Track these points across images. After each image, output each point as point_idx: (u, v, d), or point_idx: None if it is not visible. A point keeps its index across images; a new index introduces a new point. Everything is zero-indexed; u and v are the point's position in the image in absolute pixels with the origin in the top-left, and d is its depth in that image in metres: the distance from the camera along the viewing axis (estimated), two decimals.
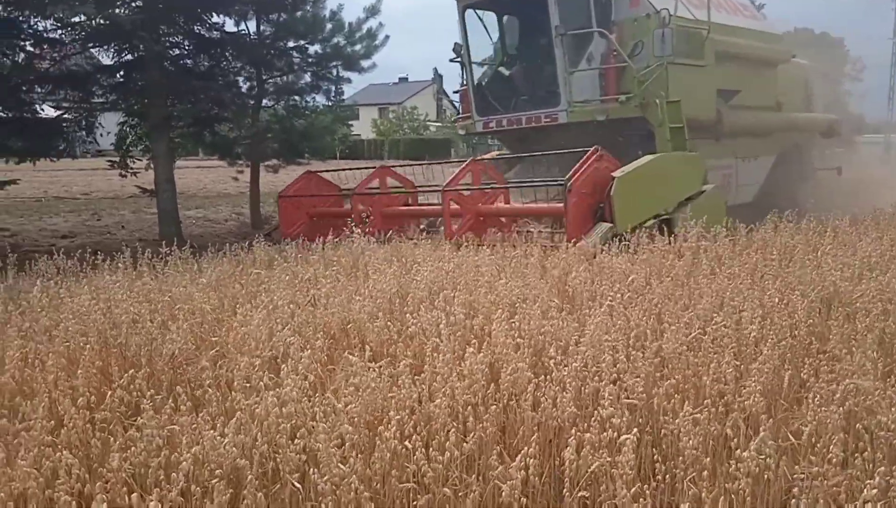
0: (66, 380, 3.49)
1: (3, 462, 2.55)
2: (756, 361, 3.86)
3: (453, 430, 3.01)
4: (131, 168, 14.33)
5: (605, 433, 3.04)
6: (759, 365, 3.75)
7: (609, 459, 2.95)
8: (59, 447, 2.95)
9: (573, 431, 2.98)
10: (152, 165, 13.40)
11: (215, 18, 13.65)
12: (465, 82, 12.33)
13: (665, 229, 8.36)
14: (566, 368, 3.75)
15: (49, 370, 3.47)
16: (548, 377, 3.72)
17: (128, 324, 4.15)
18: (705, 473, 2.75)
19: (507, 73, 12.38)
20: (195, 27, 13.60)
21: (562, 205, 8.63)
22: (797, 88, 14.82)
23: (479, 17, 12.09)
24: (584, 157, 8.88)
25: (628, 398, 3.58)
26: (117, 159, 14.54)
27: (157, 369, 4.00)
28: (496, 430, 3.42)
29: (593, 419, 3.28)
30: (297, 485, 2.92)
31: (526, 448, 2.80)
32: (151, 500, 2.24)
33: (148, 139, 14.14)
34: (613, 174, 8.67)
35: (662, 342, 4.22)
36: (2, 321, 4.33)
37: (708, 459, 2.87)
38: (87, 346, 3.81)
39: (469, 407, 3.29)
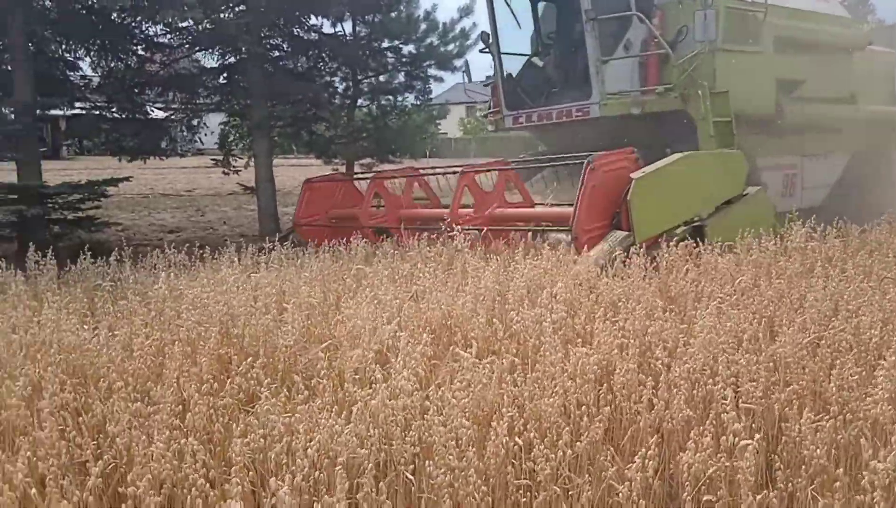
0: (189, 367, 3.67)
1: (146, 444, 2.69)
2: (881, 367, 3.67)
3: (566, 429, 2.99)
4: (233, 166, 14.88)
5: (724, 438, 2.96)
6: (886, 372, 3.56)
7: (727, 464, 2.88)
8: (186, 431, 3.10)
9: (692, 434, 2.90)
10: (253, 164, 13.89)
11: (313, 20, 14.02)
12: (494, 74, 11.35)
13: (697, 238, 7.24)
14: (677, 369, 3.68)
15: (174, 357, 3.65)
16: (657, 378, 3.65)
17: (245, 315, 4.31)
18: (837, 484, 2.63)
19: (540, 63, 11.31)
20: (294, 29, 14.01)
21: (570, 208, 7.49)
22: (879, 79, 12.95)
23: (508, 4, 11.04)
24: (617, 152, 8.00)
25: (745, 402, 3.49)
26: (220, 158, 15.12)
27: (273, 359, 4.13)
28: (603, 431, 3.38)
29: (708, 422, 3.20)
30: (410, 476, 2.97)
31: (644, 450, 2.75)
32: (282, 485, 2.32)
33: (249, 138, 14.67)
34: (632, 176, 7.60)
35: (777, 346, 4.08)
36: (129, 311, 4.57)
37: (841, 469, 2.74)
38: (209, 336, 3.99)
39: (583, 407, 3.26)
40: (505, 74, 11.12)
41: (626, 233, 7.35)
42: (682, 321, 4.84)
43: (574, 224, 7.42)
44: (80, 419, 3.26)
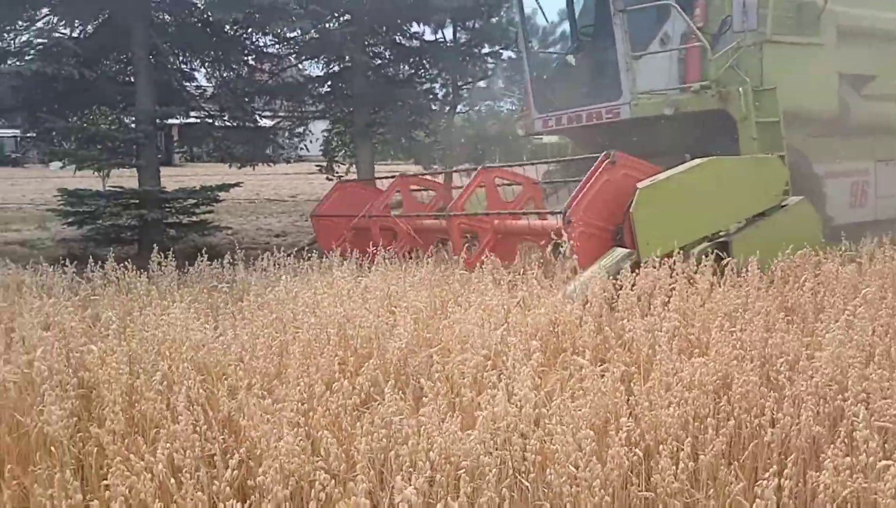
0: (308, 367, 3.80)
1: (276, 437, 2.80)
2: None
3: (688, 441, 2.92)
4: (336, 172, 15.29)
5: (861, 457, 2.81)
6: None
7: (865, 485, 2.74)
8: (308, 428, 3.21)
9: (829, 452, 2.77)
10: (355, 169, 14.24)
11: (415, 28, 14.27)
12: (523, 74, 10.62)
13: (722, 254, 6.31)
14: (802, 384, 3.53)
15: (295, 357, 3.78)
16: (780, 392, 3.52)
17: (358, 318, 4.42)
18: None
19: (573, 62, 10.48)
20: (396, 37, 14.29)
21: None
22: None
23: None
24: (592, 168, 6.94)
25: (878, 420, 3.30)
26: (324, 164, 15.57)
27: (384, 361, 4.22)
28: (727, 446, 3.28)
29: (839, 440, 3.05)
30: (527, 484, 2.97)
31: (778, 468, 2.65)
32: (408, 485, 2.36)
33: (351, 145, 15.04)
34: (638, 185, 6.69)
35: None
36: (249, 312, 4.76)
37: None
38: (327, 338, 4.13)
39: (707, 419, 3.17)
40: (534, 73, 10.42)
41: (629, 251, 6.37)
42: (803, 333, 4.65)
43: (570, 207, 6.64)
44: (210, 414, 3.43)
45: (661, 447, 3.04)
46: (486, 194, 8.57)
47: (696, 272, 5.70)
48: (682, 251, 6.37)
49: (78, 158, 11.91)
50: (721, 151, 7.79)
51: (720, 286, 5.41)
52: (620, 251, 6.35)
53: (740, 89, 8.09)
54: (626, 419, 3.04)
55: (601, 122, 9.17)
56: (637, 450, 3.04)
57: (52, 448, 3.23)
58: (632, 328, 4.49)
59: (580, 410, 3.12)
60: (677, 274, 5.81)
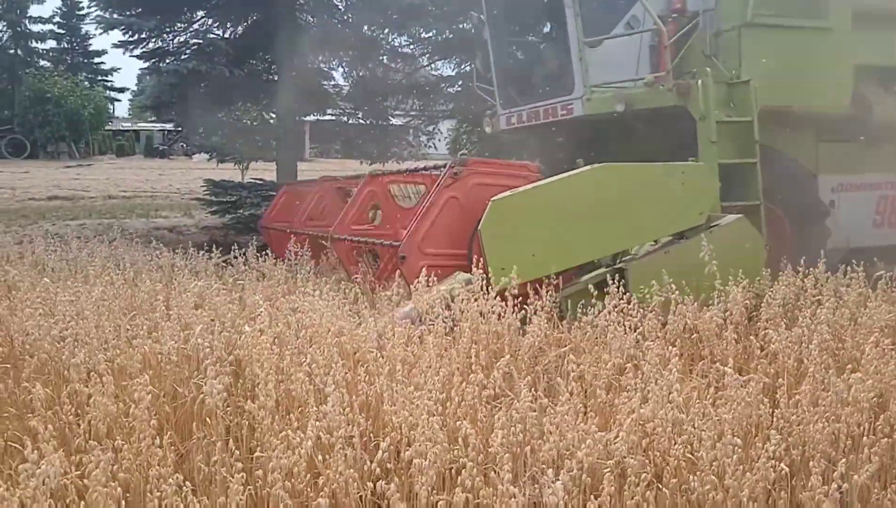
0: (441, 358, 3.89)
1: (412, 426, 2.90)
2: None
3: (842, 462, 2.78)
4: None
5: None
6: None
7: None
8: (446, 416, 3.29)
9: None
10: None
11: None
12: (487, 66, 9.26)
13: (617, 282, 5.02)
14: None
15: (431, 348, 3.88)
16: None
17: (489, 314, 4.49)
18: None
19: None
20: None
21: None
22: None
23: None
24: (513, 163, 6.14)
25: None
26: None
27: (515, 357, 4.25)
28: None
29: None
30: (665, 490, 2.92)
31: None
32: (557, 480, 2.38)
33: (479, 143, 15.17)
34: (492, 198, 5.45)
35: None
36: (386, 301, 4.92)
37: None
38: (463, 330, 4.23)
39: (861, 437, 3.01)
40: (500, 65, 8.99)
41: (469, 276, 5.08)
42: None
43: (406, 239, 5.69)
44: (351, 398, 3.57)
45: (811, 463, 2.91)
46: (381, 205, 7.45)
47: (846, 285, 5.39)
48: (559, 277, 5.42)
49: (223, 152, 12.68)
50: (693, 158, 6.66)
51: (873, 300, 5.09)
52: (462, 277, 5.21)
53: (699, 82, 6.65)
54: (773, 431, 2.92)
55: (557, 119, 7.95)
56: (783, 465, 2.92)
57: (209, 419, 3.47)
58: (777, 339, 4.31)
59: (725, 417, 3.02)
60: (822, 285, 5.53)
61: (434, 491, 2.66)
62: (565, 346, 4.49)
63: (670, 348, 4.14)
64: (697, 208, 5.89)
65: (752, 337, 4.40)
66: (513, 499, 2.39)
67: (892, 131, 7.54)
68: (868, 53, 7.58)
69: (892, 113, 7.55)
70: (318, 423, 3.00)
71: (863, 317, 4.68)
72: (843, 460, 2.81)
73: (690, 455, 2.87)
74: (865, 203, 7.87)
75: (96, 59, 46.06)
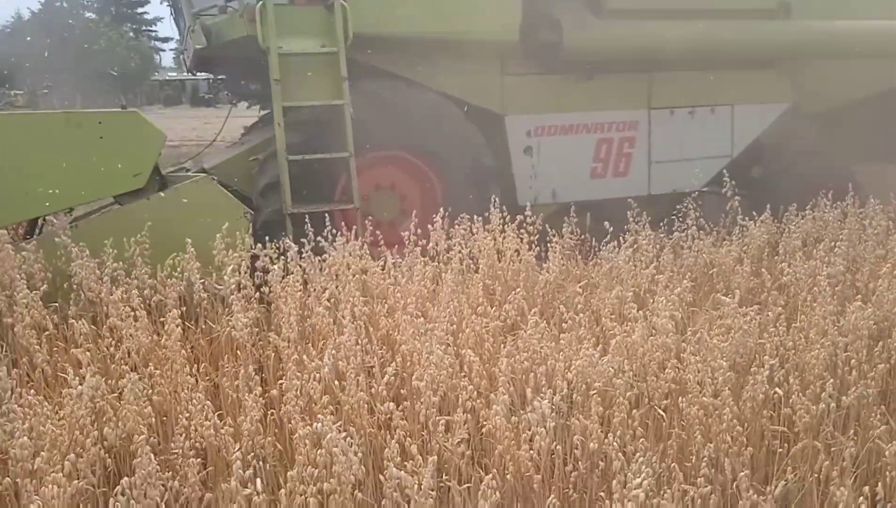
0: (460, 293, 4.07)
1: (426, 354, 3.09)
2: None
3: (831, 382, 2.88)
4: None
5: None
6: None
7: None
8: (457, 346, 3.48)
9: None
10: None
11: None
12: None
13: None
14: None
15: (448, 284, 4.06)
16: None
17: (511, 253, 4.63)
18: None
19: None
20: None
21: None
22: None
23: None
24: None
25: None
26: None
27: (532, 293, 4.41)
28: (877, 392, 3.18)
29: None
30: (662, 413, 3.07)
31: None
32: (542, 398, 2.56)
33: None
34: None
35: None
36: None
37: None
38: (476, 267, 4.40)
39: (851, 362, 3.10)
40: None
41: None
42: None
43: None
44: (370, 330, 3.79)
45: (808, 389, 3.02)
46: None
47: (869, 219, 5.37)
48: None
49: (262, 99, 12.77)
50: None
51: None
52: None
53: (260, 4, 5.38)
54: (767, 358, 3.03)
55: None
56: (778, 390, 3.03)
57: (238, 352, 3.73)
58: (791, 272, 4.36)
59: (721, 345, 3.14)
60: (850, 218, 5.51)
61: (438, 412, 2.86)
62: (581, 282, 4.62)
63: (683, 281, 4.26)
64: (130, 169, 4.82)
65: (763, 270, 4.45)
66: (500, 418, 2.57)
67: (620, 60, 6.56)
68: None
69: (603, 38, 6.42)
70: (335, 353, 3.22)
71: (880, 250, 4.68)
72: (832, 380, 2.90)
73: (684, 378, 3.00)
74: (578, 149, 6.69)
75: (140, 10, 46.61)
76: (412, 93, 5.95)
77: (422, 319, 3.49)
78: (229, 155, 6.71)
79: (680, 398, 2.85)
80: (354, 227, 5.36)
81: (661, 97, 6.91)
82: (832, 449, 2.87)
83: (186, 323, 3.95)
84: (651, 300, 3.96)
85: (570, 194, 6.40)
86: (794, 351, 3.26)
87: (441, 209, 5.12)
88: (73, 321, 3.79)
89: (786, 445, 2.93)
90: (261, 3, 5.34)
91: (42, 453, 2.40)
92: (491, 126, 6.35)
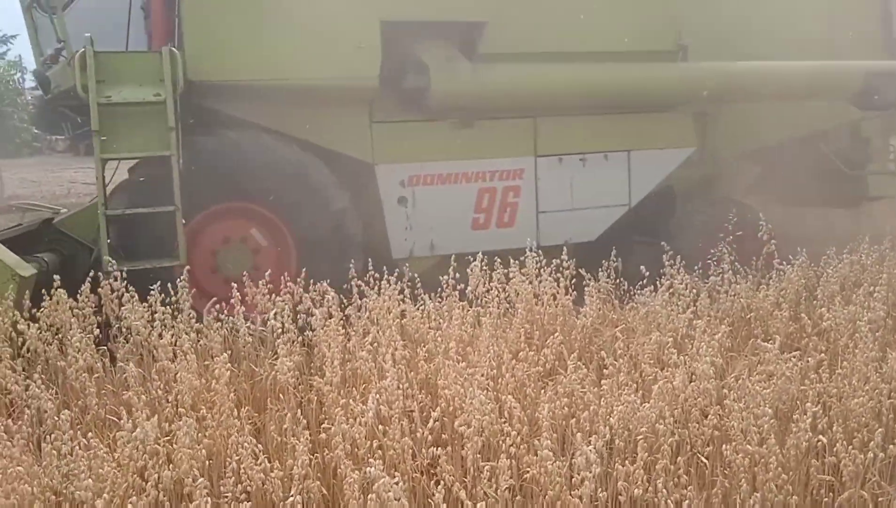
0: (499, 337, 4.12)
1: (464, 397, 3.14)
2: None
3: (879, 430, 2.87)
4: None
5: None
6: None
7: None
8: (498, 391, 3.51)
9: None
10: None
11: None
12: None
13: None
14: None
15: (486, 328, 4.11)
16: None
17: (548, 296, 4.68)
18: None
19: None
20: None
21: None
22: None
23: None
24: None
25: None
26: None
27: (569, 337, 4.44)
28: None
29: None
30: (705, 460, 3.07)
31: None
32: (587, 444, 2.58)
33: None
34: None
35: None
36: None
37: None
38: (515, 312, 4.45)
39: None
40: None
41: None
42: None
43: None
44: (410, 374, 3.84)
45: (854, 438, 3.01)
46: None
47: None
48: None
49: None
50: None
51: None
52: None
53: (81, 49, 5.05)
54: (811, 405, 3.02)
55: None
56: (822, 438, 3.02)
57: (281, 395, 3.80)
58: (830, 317, 4.35)
59: (763, 391, 3.14)
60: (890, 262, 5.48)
61: (481, 458, 2.89)
62: (619, 326, 4.65)
63: (721, 326, 4.26)
64: None
65: (802, 315, 4.44)
66: (550, 463, 2.60)
67: (501, 106, 6.31)
68: (405, 5, 5.99)
69: (483, 84, 6.10)
70: (378, 397, 3.28)
71: None
72: (880, 429, 2.89)
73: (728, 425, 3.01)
74: (457, 198, 6.34)
75: None
76: (265, 141, 5.64)
77: (463, 363, 3.53)
78: (83, 208, 6.51)
79: (724, 446, 2.85)
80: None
81: (549, 144, 6.56)
82: (879, 499, 2.85)
83: (231, 366, 4.04)
84: (689, 346, 3.98)
85: (449, 246, 5.96)
86: (837, 398, 3.25)
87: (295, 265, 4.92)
88: (122, 364, 3.91)
89: (831, 494, 2.92)
90: (81, 50, 5.03)
91: (104, 495, 2.48)
92: (360, 176, 6.08)
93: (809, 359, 3.74)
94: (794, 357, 3.54)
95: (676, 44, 6.74)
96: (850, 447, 2.85)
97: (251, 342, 4.30)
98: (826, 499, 2.91)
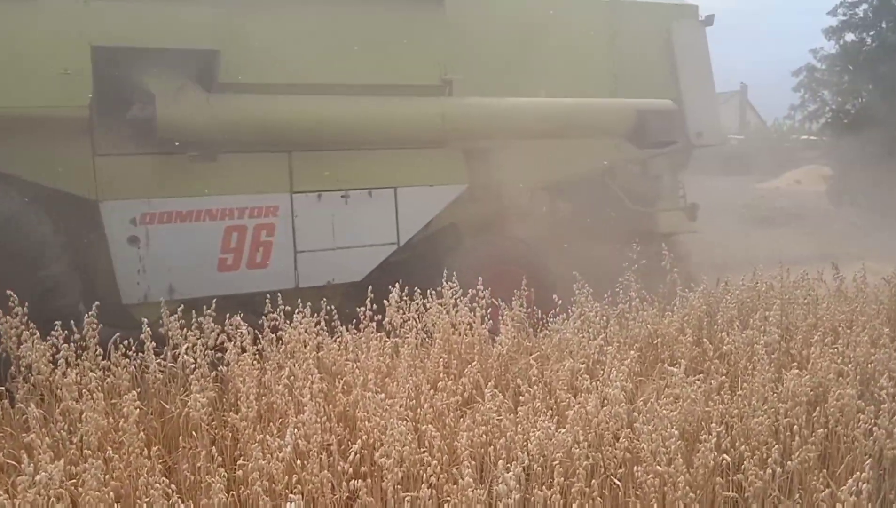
0: (417, 367, 4.14)
1: (383, 428, 3.14)
2: None
3: (776, 447, 3.04)
4: None
5: None
6: None
7: None
8: (417, 421, 3.53)
9: None
10: None
11: None
12: None
13: None
14: None
15: (404, 359, 4.13)
16: (878, 406, 3.55)
17: (464, 326, 4.74)
18: None
19: None
20: None
21: None
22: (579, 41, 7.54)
23: None
24: None
25: None
26: None
27: (485, 366, 4.50)
28: (817, 456, 3.36)
29: None
30: (618, 482, 3.18)
31: (859, 474, 2.75)
32: (505, 471, 2.63)
33: None
34: None
35: None
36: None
37: None
38: (432, 342, 4.49)
39: (793, 428, 3.28)
40: None
41: None
42: None
43: None
44: (328, 408, 3.81)
45: (755, 454, 3.17)
46: None
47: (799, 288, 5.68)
48: None
49: None
50: None
51: (823, 302, 5.39)
52: None
53: None
54: (715, 426, 3.18)
55: None
56: (726, 456, 3.18)
57: (194, 432, 3.70)
58: (730, 341, 4.58)
59: (670, 414, 3.28)
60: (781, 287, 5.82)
61: (401, 489, 2.90)
62: (533, 354, 4.75)
63: (630, 352, 4.42)
64: None
65: (704, 339, 4.66)
66: (471, 491, 2.63)
67: (213, 140, 5.74)
68: (121, 30, 5.51)
69: (198, 115, 5.67)
70: (295, 431, 3.24)
71: (810, 318, 4.96)
72: (777, 446, 3.06)
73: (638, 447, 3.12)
74: (200, 238, 5.81)
75: None
76: None
77: (382, 394, 3.54)
78: None
79: (635, 467, 2.96)
80: None
81: (307, 180, 6.15)
82: None
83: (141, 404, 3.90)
84: (601, 371, 4.11)
85: (192, 290, 5.59)
86: (739, 418, 3.42)
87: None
88: (21, 405, 3.72)
89: None
90: None
91: None
92: (82, 214, 5.51)
93: (712, 381, 3.94)
94: (699, 380, 3.70)
95: (441, 78, 6.56)
96: (752, 464, 3.01)
97: (162, 378, 4.18)
98: None
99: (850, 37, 19.36)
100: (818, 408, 3.56)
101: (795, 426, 3.29)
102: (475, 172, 6.77)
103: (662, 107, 7.62)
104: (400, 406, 3.50)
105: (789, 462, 3.07)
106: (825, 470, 3.27)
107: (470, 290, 5.15)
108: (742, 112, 58.01)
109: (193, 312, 4.65)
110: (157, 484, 2.81)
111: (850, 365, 4.16)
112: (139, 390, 3.96)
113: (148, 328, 4.33)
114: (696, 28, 8.38)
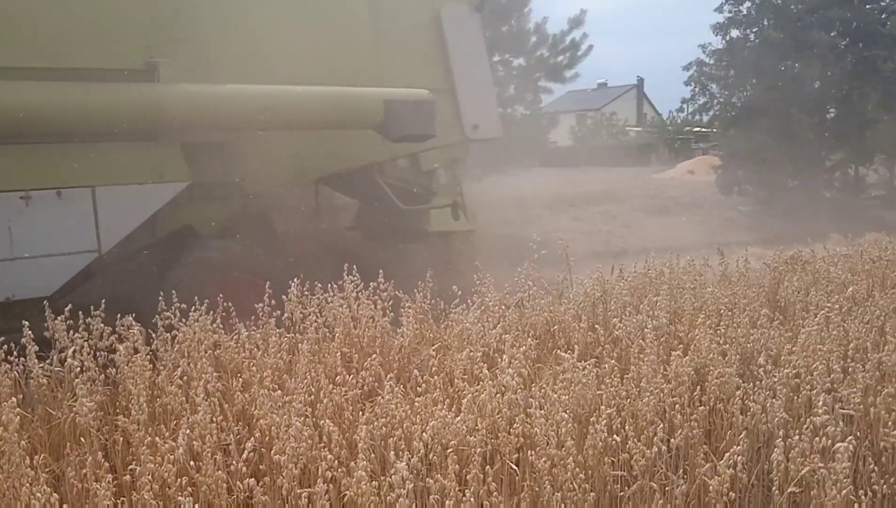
0: (317, 363, 4.11)
1: (285, 427, 3.11)
2: None
3: (661, 427, 3.19)
4: None
5: (817, 440, 3.07)
6: None
7: (822, 466, 2.98)
8: (316, 417, 3.51)
9: (780, 433, 3.04)
10: None
11: None
12: None
13: None
14: (776, 375, 3.78)
15: (305, 355, 4.09)
16: (754, 383, 3.77)
17: (366, 319, 4.73)
18: None
19: None
20: None
21: None
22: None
23: None
24: None
25: (843, 408, 3.56)
26: None
27: (388, 358, 4.52)
28: (702, 432, 3.55)
29: (805, 426, 3.30)
30: (514, 467, 3.26)
31: (735, 447, 2.92)
32: (400, 462, 2.65)
33: None
34: None
35: (883, 354, 4.10)
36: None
37: None
38: (333, 336, 4.46)
39: (676, 407, 3.44)
40: None
41: None
42: (788, 329, 4.89)
43: None
44: (225, 406, 3.74)
45: (642, 435, 3.32)
46: None
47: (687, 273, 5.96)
48: None
49: None
50: None
51: (708, 286, 5.67)
52: None
53: None
54: (605, 408, 3.30)
55: None
56: (616, 437, 3.31)
57: (83, 438, 3.55)
58: (622, 326, 4.76)
59: (563, 398, 3.39)
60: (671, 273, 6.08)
61: (299, 485, 2.88)
62: (435, 345, 4.80)
63: (528, 339, 4.53)
64: None
65: (597, 325, 4.83)
66: (364, 484, 2.64)
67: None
68: None
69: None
70: (189, 432, 3.16)
71: (697, 302, 5.21)
72: (662, 425, 3.22)
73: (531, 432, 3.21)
74: None
75: None
76: None
77: (279, 392, 3.50)
78: None
79: (529, 452, 3.05)
80: None
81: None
82: (666, 489, 3.16)
83: (23, 411, 3.72)
84: (500, 359, 4.20)
85: None
86: (628, 400, 3.57)
87: None
88: None
89: (626, 488, 3.20)
90: None
91: None
92: None
93: (605, 366, 4.09)
94: (591, 365, 3.83)
95: (145, 62, 5.77)
96: (640, 443, 3.15)
97: (47, 383, 3.99)
98: (621, 493, 3.19)
99: (735, 33, 20.35)
100: (699, 387, 3.76)
101: (678, 405, 3.46)
102: (202, 169, 6.08)
103: (414, 97, 6.72)
104: (299, 402, 3.47)
105: (672, 440, 3.23)
106: (706, 446, 3.45)
107: (371, 283, 5.15)
108: (639, 105, 60.12)
109: (80, 313, 4.47)
110: (39, 494, 2.68)
111: (730, 345, 4.40)
112: (21, 396, 3.77)
113: (29, 332, 4.12)
114: (468, 14, 7.78)
